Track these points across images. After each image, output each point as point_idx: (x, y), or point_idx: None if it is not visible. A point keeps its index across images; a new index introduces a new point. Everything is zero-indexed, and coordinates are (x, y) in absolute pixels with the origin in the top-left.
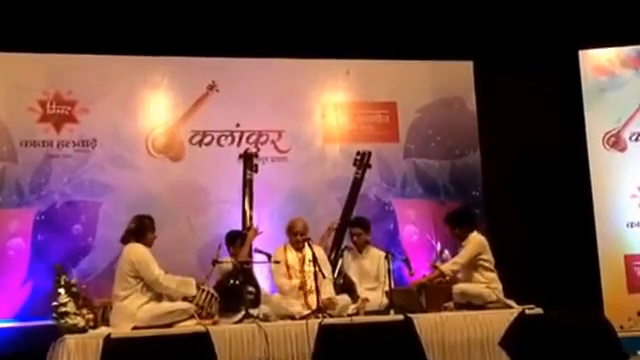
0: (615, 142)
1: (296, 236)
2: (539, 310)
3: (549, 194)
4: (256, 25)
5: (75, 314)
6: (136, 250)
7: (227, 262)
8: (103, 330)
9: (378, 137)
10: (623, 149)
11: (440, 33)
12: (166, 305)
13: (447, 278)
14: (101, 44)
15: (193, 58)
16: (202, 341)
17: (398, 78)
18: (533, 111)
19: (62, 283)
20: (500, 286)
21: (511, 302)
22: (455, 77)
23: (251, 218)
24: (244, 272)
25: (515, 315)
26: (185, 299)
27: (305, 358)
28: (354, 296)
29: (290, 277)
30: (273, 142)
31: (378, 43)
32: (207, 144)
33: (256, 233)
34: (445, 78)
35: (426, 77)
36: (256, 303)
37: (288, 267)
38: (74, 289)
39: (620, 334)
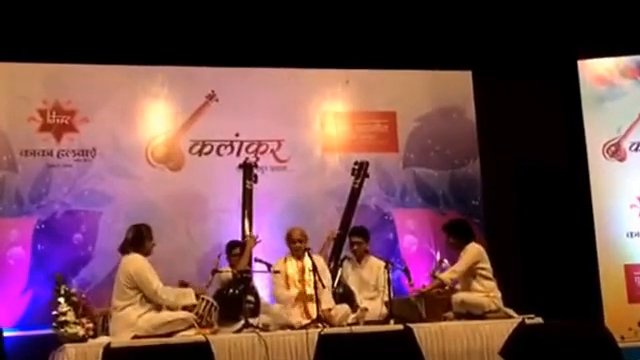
0: (615, 152)
1: (295, 243)
2: (539, 320)
3: (549, 204)
4: (255, 35)
5: (75, 323)
6: (134, 263)
7: (227, 271)
8: (103, 339)
9: (377, 147)
10: (623, 159)
11: (439, 43)
12: (166, 314)
13: (447, 287)
14: (101, 54)
15: (193, 68)
16: (202, 350)
17: (397, 88)
18: (532, 120)
19: (62, 292)
20: (499, 295)
21: (511, 311)
22: (454, 86)
23: (250, 228)
24: (243, 281)
25: (515, 325)
26: (185, 308)
27: None
28: (353, 306)
29: (288, 287)
30: (273, 152)
31: (377, 53)
32: (207, 154)
33: (255, 242)
34: (444, 87)
35: (425, 86)
36: (255, 312)
37: (287, 277)
38: (74, 298)
39: (621, 344)
